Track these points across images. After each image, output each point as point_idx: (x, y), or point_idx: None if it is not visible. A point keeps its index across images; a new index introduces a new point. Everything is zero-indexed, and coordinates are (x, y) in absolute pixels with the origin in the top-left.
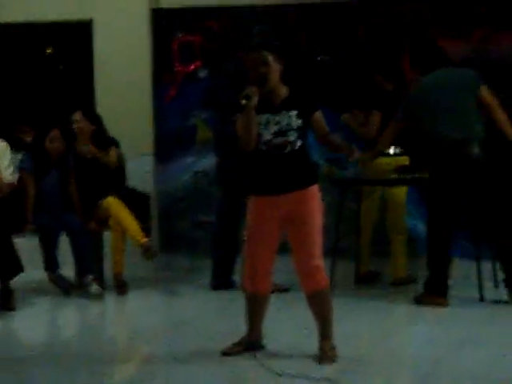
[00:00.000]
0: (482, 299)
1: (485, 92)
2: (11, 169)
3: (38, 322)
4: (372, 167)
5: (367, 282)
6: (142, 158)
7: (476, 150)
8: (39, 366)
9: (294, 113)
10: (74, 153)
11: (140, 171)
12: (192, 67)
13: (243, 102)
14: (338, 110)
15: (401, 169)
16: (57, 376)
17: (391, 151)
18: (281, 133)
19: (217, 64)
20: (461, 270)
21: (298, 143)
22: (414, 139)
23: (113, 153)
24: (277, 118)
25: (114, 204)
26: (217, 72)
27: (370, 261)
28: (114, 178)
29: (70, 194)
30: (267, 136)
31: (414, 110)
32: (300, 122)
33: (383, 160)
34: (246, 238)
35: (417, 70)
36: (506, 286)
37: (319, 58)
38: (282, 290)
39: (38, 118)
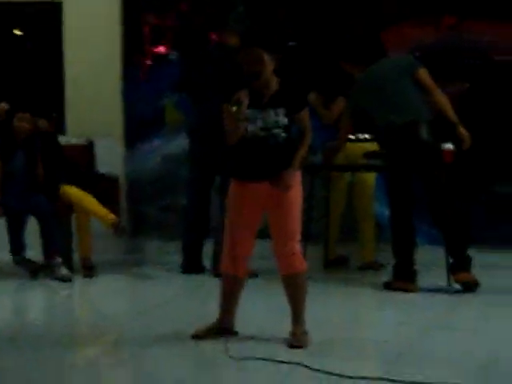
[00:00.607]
0: (450, 284)
1: (422, 74)
2: None
3: (3, 303)
4: (341, 153)
5: (336, 266)
6: (111, 141)
7: (424, 132)
8: (4, 347)
9: (280, 110)
10: (43, 135)
11: (109, 154)
12: (162, 49)
13: (234, 108)
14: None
15: (369, 154)
16: (21, 358)
17: (360, 137)
18: (266, 129)
19: (187, 46)
20: (429, 256)
21: (282, 135)
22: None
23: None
24: (263, 115)
25: (73, 192)
26: (188, 54)
27: (338, 246)
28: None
29: (37, 175)
30: (252, 129)
31: (359, 102)
32: (286, 120)
33: (352, 146)
34: (227, 222)
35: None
36: (451, 271)
37: (290, 44)
38: (252, 275)
39: (6, 99)
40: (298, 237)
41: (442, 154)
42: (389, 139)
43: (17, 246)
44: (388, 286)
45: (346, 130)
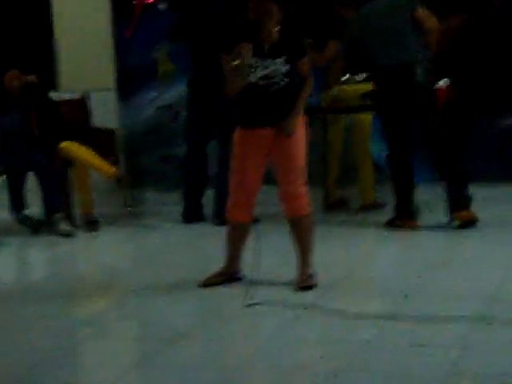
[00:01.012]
0: (451, 221)
1: (421, 14)
2: None
3: (6, 261)
4: (338, 94)
5: (336, 208)
6: (105, 94)
7: (420, 73)
8: (8, 304)
9: (282, 59)
10: (35, 91)
11: (103, 107)
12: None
13: (236, 62)
14: None
15: (366, 95)
16: (27, 314)
17: (357, 78)
18: (267, 77)
19: None
20: (430, 193)
21: (284, 81)
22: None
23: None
24: (265, 64)
25: (70, 147)
26: (177, 4)
27: (337, 188)
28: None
29: (33, 132)
30: (253, 79)
31: (356, 40)
32: (287, 67)
33: (349, 87)
34: (233, 170)
35: None
36: (450, 210)
37: None
38: (254, 220)
39: None
40: (304, 179)
41: (436, 96)
42: (386, 78)
43: (17, 203)
44: (389, 224)
45: (335, 79)
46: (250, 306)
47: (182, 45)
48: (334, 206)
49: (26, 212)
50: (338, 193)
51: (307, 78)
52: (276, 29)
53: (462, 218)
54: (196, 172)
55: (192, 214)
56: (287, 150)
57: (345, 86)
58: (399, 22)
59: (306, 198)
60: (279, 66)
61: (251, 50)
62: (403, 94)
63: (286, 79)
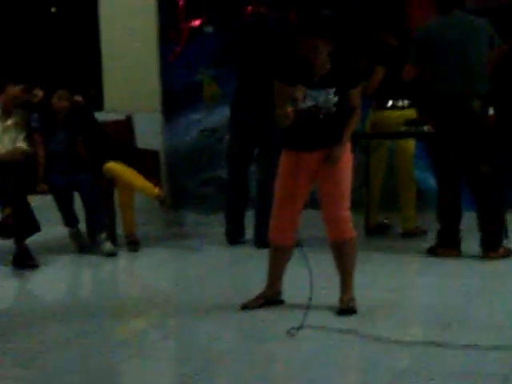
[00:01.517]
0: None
1: (501, 52)
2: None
3: (52, 279)
4: (381, 120)
5: (378, 234)
6: (150, 115)
7: (478, 104)
8: (53, 322)
9: (332, 90)
10: (81, 111)
11: (149, 128)
12: (198, 23)
13: (291, 108)
14: None
15: (409, 122)
16: (70, 332)
17: (400, 104)
18: (316, 108)
19: (222, 19)
20: (473, 221)
21: (333, 110)
22: (421, 91)
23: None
24: (314, 94)
25: (115, 167)
26: (228, 27)
27: (379, 213)
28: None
29: (79, 152)
30: (303, 107)
31: (424, 51)
32: (336, 98)
33: (392, 113)
34: (277, 192)
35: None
36: (482, 248)
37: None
38: (297, 244)
39: (45, 77)
40: (348, 204)
41: (489, 130)
42: (440, 105)
43: (69, 219)
44: (432, 252)
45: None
46: (292, 330)
47: (227, 68)
48: (375, 231)
49: (78, 228)
50: (380, 218)
51: (355, 110)
52: (328, 60)
53: (492, 257)
54: (237, 194)
55: (235, 235)
56: (333, 174)
57: (388, 112)
58: (482, 51)
59: (350, 222)
60: (330, 96)
61: (304, 93)
62: (461, 124)
63: (334, 108)
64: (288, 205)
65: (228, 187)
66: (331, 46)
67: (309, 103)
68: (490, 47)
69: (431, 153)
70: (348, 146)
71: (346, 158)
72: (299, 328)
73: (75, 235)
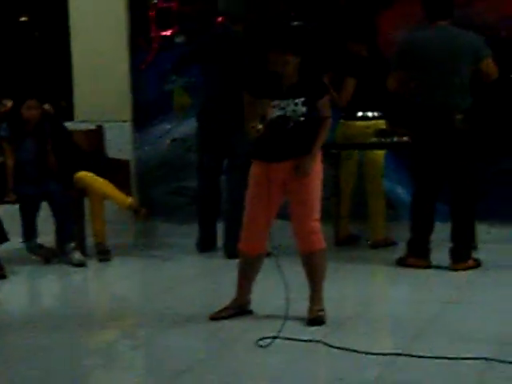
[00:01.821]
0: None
1: (489, 64)
2: None
3: (18, 289)
4: (351, 131)
5: (347, 245)
6: (120, 125)
7: (459, 118)
8: (20, 332)
9: (300, 100)
10: (50, 120)
11: (119, 138)
12: (169, 33)
13: (260, 127)
14: None
15: (380, 132)
16: (37, 343)
17: (369, 114)
18: (284, 118)
19: (193, 29)
20: (442, 232)
21: (301, 119)
22: (393, 102)
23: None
24: (282, 104)
25: (86, 177)
26: (194, 37)
27: (349, 225)
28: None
29: (48, 161)
30: (271, 117)
31: (407, 60)
32: (305, 109)
33: (361, 123)
34: (247, 203)
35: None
36: (451, 257)
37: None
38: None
39: (14, 87)
40: (318, 215)
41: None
42: (419, 118)
43: (30, 232)
44: (401, 262)
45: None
46: (262, 340)
47: (197, 78)
48: (345, 242)
49: (38, 241)
50: (350, 229)
51: (325, 120)
52: (296, 71)
53: (460, 268)
54: (208, 204)
55: (206, 245)
56: (303, 185)
57: (358, 123)
58: (466, 65)
59: (319, 233)
60: (298, 106)
61: (273, 105)
62: (442, 137)
63: (302, 118)
64: (258, 216)
65: (198, 198)
66: (299, 57)
67: (277, 113)
68: (475, 61)
69: (409, 164)
70: (318, 156)
71: (316, 169)
72: (271, 338)
73: (34, 248)
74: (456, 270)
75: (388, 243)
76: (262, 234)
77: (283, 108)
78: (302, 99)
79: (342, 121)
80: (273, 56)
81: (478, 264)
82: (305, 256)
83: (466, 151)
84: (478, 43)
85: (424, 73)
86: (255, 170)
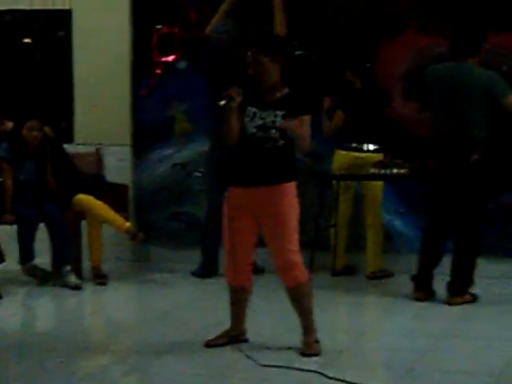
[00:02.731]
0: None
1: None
2: None
3: (12, 311)
4: (348, 162)
5: (344, 276)
6: (120, 149)
7: (474, 153)
8: (13, 355)
9: (280, 113)
10: (51, 143)
11: (118, 162)
12: (171, 58)
13: (222, 103)
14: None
15: (379, 164)
16: (31, 366)
17: (370, 147)
18: (263, 127)
19: (195, 54)
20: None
21: (281, 141)
22: (393, 135)
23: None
24: (263, 114)
25: (85, 200)
26: (195, 62)
27: (346, 255)
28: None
29: (47, 183)
30: (251, 129)
31: (430, 90)
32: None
33: (357, 155)
34: (225, 232)
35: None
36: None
37: (298, 53)
38: (258, 270)
39: (16, 108)
40: (296, 247)
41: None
42: (443, 152)
43: (26, 254)
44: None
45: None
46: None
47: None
48: (342, 272)
49: (35, 262)
50: (346, 259)
51: (301, 137)
52: (283, 89)
53: (457, 302)
54: (215, 229)
55: (209, 270)
56: (276, 217)
57: (356, 154)
58: (470, 99)
59: (301, 265)
60: (276, 118)
61: (240, 95)
62: (458, 173)
63: (281, 138)
64: (238, 248)
65: (206, 222)
66: (279, 64)
67: (256, 123)
68: (489, 99)
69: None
70: (293, 186)
71: (289, 202)
72: (266, 366)
73: (31, 270)
74: (451, 304)
75: (384, 275)
76: (245, 265)
77: (263, 118)
78: (283, 112)
79: (336, 150)
80: (251, 55)
81: (474, 299)
82: (290, 289)
83: (478, 185)
84: (496, 82)
85: (439, 106)
86: (229, 196)
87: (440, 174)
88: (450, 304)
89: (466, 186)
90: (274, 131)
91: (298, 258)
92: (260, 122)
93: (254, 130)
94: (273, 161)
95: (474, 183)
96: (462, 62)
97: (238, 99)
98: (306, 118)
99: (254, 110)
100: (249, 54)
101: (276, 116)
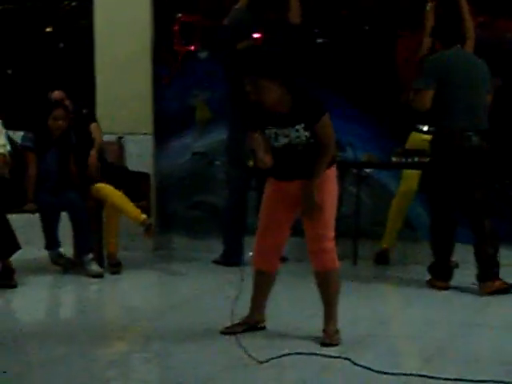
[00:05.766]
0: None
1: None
2: (7, 147)
3: (36, 299)
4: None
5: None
6: (141, 138)
7: (477, 139)
8: (35, 342)
9: (301, 126)
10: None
11: (140, 151)
12: (192, 47)
13: (250, 163)
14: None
15: (401, 153)
16: (53, 353)
17: (425, 128)
18: (291, 145)
19: (215, 42)
20: (462, 253)
21: (310, 141)
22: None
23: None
24: (285, 132)
25: (104, 188)
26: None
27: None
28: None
29: (70, 171)
30: (277, 145)
31: (441, 77)
32: (308, 133)
33: (419, 136)
34: (260, 219)
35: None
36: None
37: (319, 41)
38: (282, 259)
39: (40, 97)
40: (331, 234)
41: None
42: (440, 139)
43: (51, 241)
44: (428, 284)
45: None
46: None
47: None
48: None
49: (60, 250)
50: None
51: (322, 144)
52: (288, 98)
53: (489, 288)
54: (238, 218)
55: (232, 259)
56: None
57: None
58: (481, 93)
59: (334, 252)
60: (299, 132)
61: (261, 141)
62: (464, 159)
63: (310, 140)
64: (270, 232)
65: (228, 211)
66: (279, 79)
67: (282, 141)
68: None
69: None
70: (332, 174)
71: (328, 189)
72: (282, 356)
73: (56, 258)
74: (484, 291)
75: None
76: (274, 251)
77: (287, 135)
78: (302, 125)
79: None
80: (248, 84)
81: (507, 287)
82: (318, 275)
83: (486, 171)
84: (487, 67)
85: (451, 96)
86: (268, 187)
87: (458, 161)
88: (483, 292)
89: (475, 173)
90: (301, 147)
91: (332, 245)
92: (285, 139)
93: (282, 147)
94: (309, 157)
95: (482, 168)
96: (456, 48)
97: (263, 146)
98: (323, 122)
99: (274, 130)
100: (246, 80)
101: (298, 131)
